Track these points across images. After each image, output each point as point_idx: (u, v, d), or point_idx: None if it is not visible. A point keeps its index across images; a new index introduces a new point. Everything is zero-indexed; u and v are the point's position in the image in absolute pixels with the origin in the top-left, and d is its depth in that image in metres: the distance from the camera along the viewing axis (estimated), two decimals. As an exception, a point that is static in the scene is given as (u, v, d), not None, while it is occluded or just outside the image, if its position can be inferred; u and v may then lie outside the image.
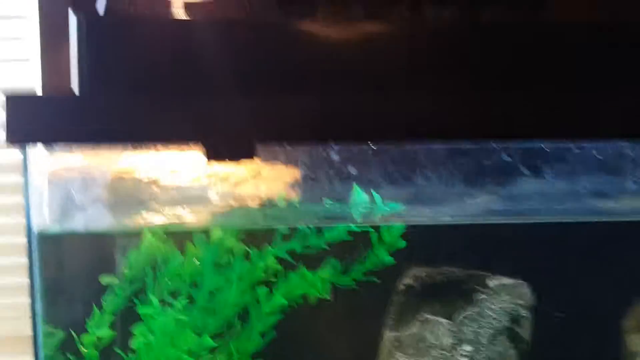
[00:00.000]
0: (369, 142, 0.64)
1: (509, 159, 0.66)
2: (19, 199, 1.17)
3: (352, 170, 0.66)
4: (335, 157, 0.66)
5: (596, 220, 0.72)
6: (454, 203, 0.68)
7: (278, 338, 0.83)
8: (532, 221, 0.70)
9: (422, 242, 0.84)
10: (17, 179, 1.17)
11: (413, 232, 0.81)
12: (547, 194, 0.68)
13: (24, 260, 1.16)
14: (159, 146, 0.66)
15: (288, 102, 0.60)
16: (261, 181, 0.96)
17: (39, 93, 0.72)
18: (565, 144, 0.66)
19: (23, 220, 1.17)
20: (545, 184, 0.67)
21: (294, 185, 0.89)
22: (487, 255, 0.94)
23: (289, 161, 0.70)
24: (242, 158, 0.62)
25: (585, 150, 0.67)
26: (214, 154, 0.60)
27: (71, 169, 0.88)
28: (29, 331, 1.18)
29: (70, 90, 0.64)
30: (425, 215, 0.72)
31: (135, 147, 0.68)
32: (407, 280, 1.05)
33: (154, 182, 0.93)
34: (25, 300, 1.18)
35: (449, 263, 0.99)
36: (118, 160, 0.93)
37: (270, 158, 0.77)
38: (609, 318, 1.08)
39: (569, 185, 0.67)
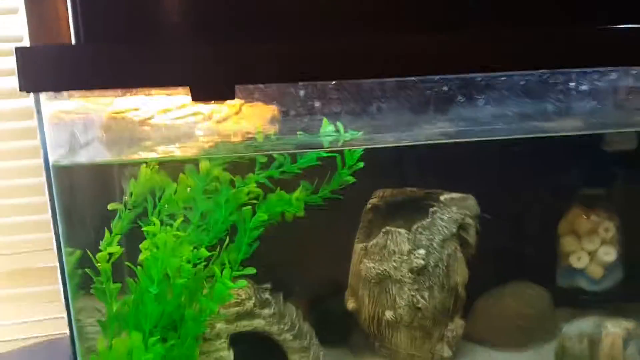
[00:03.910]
0: (332, 79, 0.73)
1: (447, 89, 0.76)
2: (27, 142, 1.23)
3: (317, 104, 0.75)
4: (301, 92, 0.75)
5: (526, 137, 0.83)
6: (403, 128, 0.78)
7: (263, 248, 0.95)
8: (470, 140, 0.80)
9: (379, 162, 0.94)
10: (20, 124, 1.23)
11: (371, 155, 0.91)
12: (480, 117, 0.78)
13: (38, 199, 1.25)
14: (151, 89, 0.74)
15: (263, 48, 0.68)
16: (242, 118, 1.04)
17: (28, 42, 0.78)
18: (493, 74, 0.76)
19: (33, 162, 1.25)
20: (479, 109, 0.77)
21: (272, 120, 0.98)
22: (435, 172, 1.06)
23: (266, 99, 0.78)
24: (223, 99, 0.71)
25: (511, 78, 0.77)
26: (199, 95, 0.69)
27: (70, 112, 0.96)
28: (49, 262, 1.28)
29: (63, 38, 0.70)
30: (380, 140, 0.82)
31: (130, 91, 0.76)
32: (374, 199, 1.17)
33: (145, 122, 1.01)
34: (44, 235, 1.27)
35: (407, 181, 1.11)
36: (111, 103, 1.00)
37: (251, 98, 0.86)
38: (546, 223, 1.22)
39: (499, 109, 0.78)
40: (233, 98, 0.69)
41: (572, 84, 0.78)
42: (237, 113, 1.06)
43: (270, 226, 0.94)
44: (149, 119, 1.01)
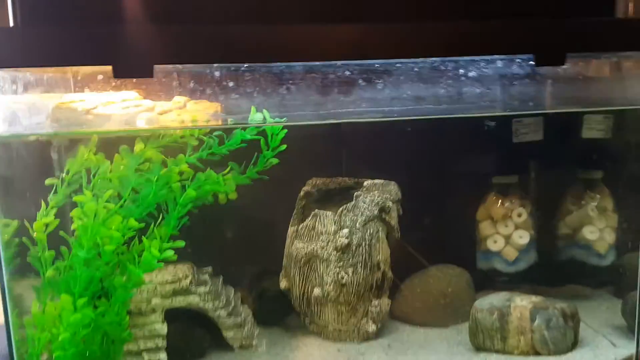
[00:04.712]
0: (246, 62, 0.80)
1: (349, 74, 0.83)
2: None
3: (230, 84, 0.82)
4: (217, 74, 0.81)
5: (420, 118, 0.91)
6: (311, 108, 0.85)
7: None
8: (369, 120, 0.87)
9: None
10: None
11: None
12: (380, 99, 0.86)
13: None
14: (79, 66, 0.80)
15: (181, 30, 0.75)
16: (185, 112, 1.10)
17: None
18: (391, 61, 0.84)
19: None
20: (378, 91, 0.85)
21: (214, 116, 1.04)
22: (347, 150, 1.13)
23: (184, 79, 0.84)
24: (143, 76, 0.77)
25: (406, 65, 0.85)
26: (119, 72, 0.75)
27: (18, 102, 1.01)
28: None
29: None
30: (297, 121, 0.89)
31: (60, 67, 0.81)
32: (307, 187, 1.24)
33: (89, 112, 1.07)
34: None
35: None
36: (60, 97, 1.06)
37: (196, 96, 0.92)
38: (465, 210, 1.29)
39: (395, 92, 0.86)
40: (152, 76, 0.76)
41: (462, 71, 0.87)
42: (181, 108, 1.13)
43: (215, 214, 1.00)
44: (93, 109, 1.07)
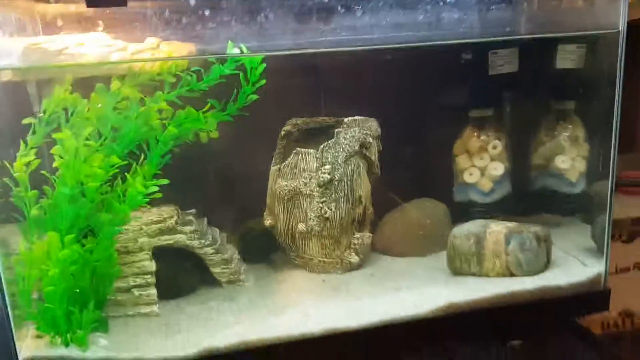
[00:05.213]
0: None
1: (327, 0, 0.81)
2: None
3: (206, 12, 0.79)
4: (192, 1, 0.78)
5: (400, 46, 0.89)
6: (290, 37, 0.83)
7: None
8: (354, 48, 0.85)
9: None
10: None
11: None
12: (360, 26, 0.84)
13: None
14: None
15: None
16: (158, 52, 1.06)
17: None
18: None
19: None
20: (357, 19, 0.83)
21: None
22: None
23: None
24: (115, 4, 0.74)
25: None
26: (93, 2, 0.72)
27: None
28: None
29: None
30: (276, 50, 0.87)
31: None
32: (287, 127, 1.23)
33: (61, 52, 1.02)
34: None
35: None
36: (30, 39, 1.01)
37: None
38: (443, 146, 1.30)
39: (374, 19, 0.84)
40: (125, 5, 0.72)
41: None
42: (154, 49, 1.09)
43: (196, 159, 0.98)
44: (65, 49, 1.03)
